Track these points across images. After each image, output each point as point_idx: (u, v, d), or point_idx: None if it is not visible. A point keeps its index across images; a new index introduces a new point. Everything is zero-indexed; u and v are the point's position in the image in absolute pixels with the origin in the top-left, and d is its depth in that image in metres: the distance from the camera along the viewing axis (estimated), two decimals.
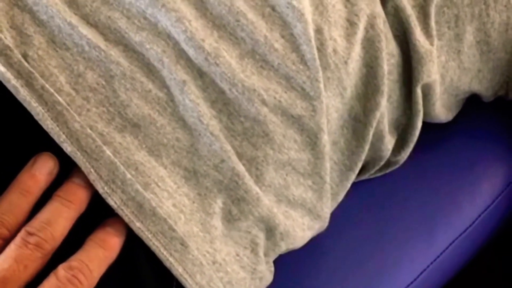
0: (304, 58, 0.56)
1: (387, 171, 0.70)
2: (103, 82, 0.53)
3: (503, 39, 0.66)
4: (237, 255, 0.56)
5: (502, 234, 0.72)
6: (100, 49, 0.53)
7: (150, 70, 0.54)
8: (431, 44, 0.63)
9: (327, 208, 0.62)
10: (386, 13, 0.61)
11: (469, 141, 0.73)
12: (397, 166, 0.70)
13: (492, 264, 0.74)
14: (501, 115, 0.73)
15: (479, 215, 0.69)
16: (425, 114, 0.66)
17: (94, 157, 0.51)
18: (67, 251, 0.50)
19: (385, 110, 0.62)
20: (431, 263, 0.67)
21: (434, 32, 0.63)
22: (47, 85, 0.52)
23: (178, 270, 0.52)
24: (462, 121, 0.72)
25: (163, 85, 0.54)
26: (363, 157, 0.63)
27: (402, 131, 0.67)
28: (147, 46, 0.54)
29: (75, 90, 0.53)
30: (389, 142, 0.66)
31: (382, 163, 0.68)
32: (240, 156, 0.56)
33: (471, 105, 0.71)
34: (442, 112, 0.69)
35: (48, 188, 0.51)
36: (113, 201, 0.51)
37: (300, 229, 0.61)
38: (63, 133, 0.51)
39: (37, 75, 0.52)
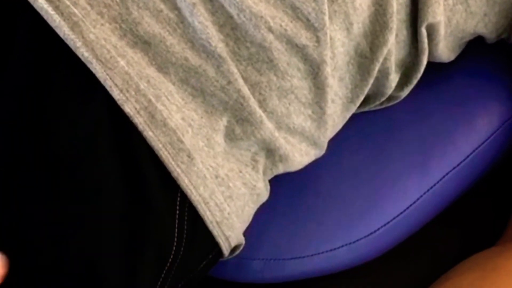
0: None
1: (388, 105, 0.71)
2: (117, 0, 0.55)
3: None
4: (240, 171, 0.59)
5: (496, 169, 0.73)
6: None
7: None
8: None
9: (325, 137, 0.64)
10: None
11: (467, 80, 0.74)
12: (398, 101, 0.71)
13: (483, 199, 0.75)
14: (498, 56, 0.74)
15: (473, 151, 0.70)
16: (428, 54, 0.67)
17: (109, 66, 0.52)
18: (85, 169, 0.52)
19: (392, 47, 0.63)
20: (423, 193, 0.68)
21: None
22: None
23: (184, 181, 0.54)
24: (461, 61, 0.72)
25: (174, 6, 0.55)
26: (366, 91, 0.65)
27: (406, 69, 0.68)
28: None
29: (90, 5, 0.54)
30: (394, 79, 0.67)
31: (384, 98, 0.69)
32: (244, 80, 0.57)
33: (470, 45, 0.72)
34: (445, 52, 0.70)
35: None
36: (128, 108, 0.52)
37: (298, 154, 0.63)
38: (79, 40, 0.52)
39: None
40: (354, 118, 0.68)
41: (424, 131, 0.71)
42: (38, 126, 0.52)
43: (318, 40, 0.58)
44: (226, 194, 0.57)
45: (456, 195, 0.72)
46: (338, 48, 0.60)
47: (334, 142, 0.67)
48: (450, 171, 0.70)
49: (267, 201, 0.64)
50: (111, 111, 0.53)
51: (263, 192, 0.62)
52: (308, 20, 0.57)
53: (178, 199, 0.55)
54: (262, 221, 0.66)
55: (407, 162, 0.70)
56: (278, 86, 0.59)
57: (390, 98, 0.70)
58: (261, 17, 0.56)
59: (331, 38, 0.59)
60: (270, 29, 0.57)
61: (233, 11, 0.56)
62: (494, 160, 0.73)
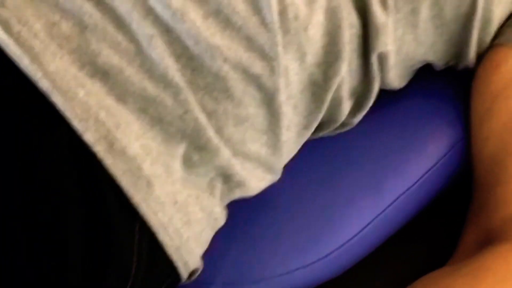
0: (264, 21, 0.58)
1: (341, 131, 0.73)
2: (76, 32, 0.55)
3: (455, 14, 0.68)
4: (198, 197, 0.60)
5: (445, 192, 0.75)
6: (74, 1, 0.55)
7: (120, 23, 0.56)
8: (387, 17, 0.65)
9: (280, 163, 0.66)
10: None
11: (418, 106, 0.76)
12: (350, 127, 0.73)
13: (433, 220, 0.78)
14: (447, 82, 0.76)
15: (424, 174, 0.72)
16: (379, 81, 0.69)
17: (69, 96, 0.53)
18: (46, 197, 0.53)
19: (345, 76, 0.65)
20: (377, 216, 0.70)
21: (391, 6, 0.65)
22: (24, 30, 0.54)
23: (143, 207, 0.55)
24: (412, 87, 0.75)
25: (132, 38, 0.56)
26: (320, 118, 0.67)
27: (358, 96, 0.70)
28: (118, 2, 0.56)
29: (50, 37, 0.55)
30: (347, 106, 0.69)
31: (337, 125, 0.71)
32: (201, 109, 0.59)
33: (421, 73, 0.74)
34: (396, 80, 0.72)
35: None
36: (89, 137, 0.53)
37: (254, 180, 0.64)
38: (40, 72, 0.53)
39: (14, 20, 0.54)
40: (308, 142, 0.70)
41: (377, 154, 0.73)
42: (2, 153, 0.53)
43: (272, 70, 0.59)
44: (184, 219, 0.58)
45: (409, 216, 0.74)
46: (292, 77, 0.62)
47: (290, 166, 0.69)
48: (403, 193, 0.72)
49: (225, 225, 0.65)
50: (72, 140, 0.54)
51: (220, 217, 0.63)
52: (262, 50, 0.59)
53: (138, 224, 0.56)
54: (220, 245, 0.67)
55: (360, 185, 0.71)
56: (234, 114, 0.60)
57: (343, 124, 0.72)
58: (217, 47, 0.57)
59: (285, 68, 0.60)
60: (225, 60, 0.58)
61: (189, 43, 0.57)
62: (445, 182, 0.75)
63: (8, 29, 0.54)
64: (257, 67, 0.59)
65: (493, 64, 0.72)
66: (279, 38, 0.59)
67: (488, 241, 0.64)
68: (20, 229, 0.52)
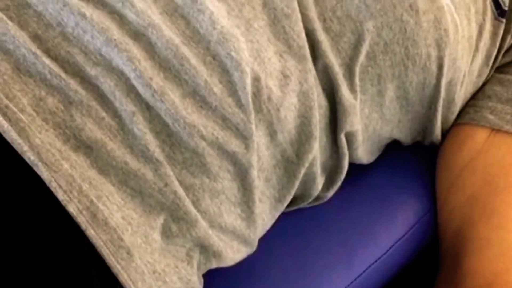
0: (239, 103, 0.60)
1: (315, 204, 0.75)
2: (62, 107, 0.57)
3: (420, 96, 0.70)
4: (176, 267, 0.61)
5: (414, 260, 0.78)
6: (61, 78, 0.57)
7: (104, 100, 0.58)
8: (355, 98, 0.67)
9: (255, 235, 0.67)
10: (316, 69, 0.65)
11: (387, 179, 0.78)
12: (324, 201, 0.75)
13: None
14: (415, 157, 0.80)
15: (393, 244, 0.75)
16: (349, 157, 0.72)
17: (54, 169, 0.55)
18: (29, 264, 0.53)
19: (317, 153, 0.67)
20: (348, 285, 0.72)
21: (358, 88, 0.67)
22: (11, 105, 0.55)
23: (123, 276, 0.56)
24: (381, 162, 0.78)
25: (115, 114, 0.58)
26: (293, 192, 0.68)
27: (330, 171, 0.72)
28: (102, 80, 0.58)
29: (36, 111, 0.56)
30: (320, 181, 0.71)
31: (311, 199, 0.73)
32: (179, 182, 0.60)
33: (389, 148, 0.77)
34: (364, 156, 0.74)
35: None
36: (72, 208, 0.55)
37: (230, 251, 0.66)
38: (25, 145, 0.54)
39: (1, 95, 0.55)
40: (283, 216, 0.72)
41: (347, 226, 0.75)
42: None
43: (246, 147, 0.62)
44: None
45: (379, 285, 0.76)
46: (263, 151, 0.64)
47: (265, 239, 0.70)
48: (373, 263, 0.74)
49: None
50: (54, 211, 0.55)
51: (197, 286, 0.64)
52: (237, 129, 0.61)
53: None
54: None
55: (333, 257, 0.73)
56: (210, 188, 0.62)
57: (316, 198, 0.74)
58: (194, 126, 0.59)
59: (256, 143, 0.62)
60: (202, 137, 0.60)
61: (168, 120, 0.59)
62: (414, 252, 0.77)
63: None
64: (233, 144, 0.61)
65: (458, 141, 0.75)
66: (253, 117, 0.61)
67: None
68: None
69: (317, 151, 0.67)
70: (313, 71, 0.65)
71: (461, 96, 0.73)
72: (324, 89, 0.66)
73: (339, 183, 0.73)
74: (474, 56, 0.73)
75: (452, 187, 0.73)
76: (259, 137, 0.63)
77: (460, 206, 0.72)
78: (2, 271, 0.53)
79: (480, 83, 0.77)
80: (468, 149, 0.74)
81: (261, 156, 0.64)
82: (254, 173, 0.63)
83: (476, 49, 0.73)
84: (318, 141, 0.66)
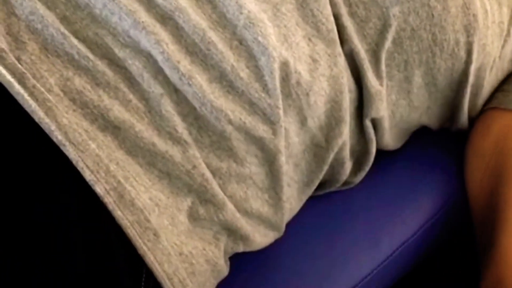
0: (266, 87, 0.60)
1: (342, 189, 0.75)
2: (89, 87, 0.57)
3: (448, 81, 0.70)
4: (203, 249, 0.61)
5: (441, 245, 0.77)
6: (88, 59, 0.57)
7: (131, 82, 0.58)
8: (381, 85, 0.67)
9: (282, 220, 0.67)
10: (344, 54, 0.65)
11: (413, 164, 0.78)
12: (351, 186, 0.75)
13: (432, 272, 0.80)
14: (442, 142, 0.79)
15: (420, 228, 0.74)
16: (376, 143, 0.71)
17: (81, 149, 0.55)
18: (56, 246, 0.54)
19: (347, 138, 0.67)
20: (375, 268, 0.72)
21: (384, 74, 0.67)
22: (38, 85, 0.55)
23: (150, 258, 0.56)
24: (408, 147, 0.78)
25: (142, 96, 0.58)
26: (321, 176, 0.68)
27: (357, 157, 0.72)
28: (130, 62, 0.58)
29: (63, 91, 0.57)
30: (348, 167, 0.71)
31: (338, 184, 0.73)
32: (206, 165, 0.60)
33: (416, 133, 0.77)
34: (391, 142, 0.74)
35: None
36: (99, 188, 0.55)
37: (258, 235, 0.66)
38: (53, 124, 0.54)
39: (29, 75, 0.55)
40: (311, 200, 0.72)
41: (375, 209, 0.75)
42: (14, 203, 0.54)
43: (274, 133, 0.61)
44: (189, 270, 0.60)
45: (406, 269, 0.76)
46: (292, 138, 0.63)
47: (292, 224, 0.70)
48: (400, 246, 0.74)
49: (227, 277, 0.66)
50: (81, 191, 0.55)
51: (224, 269, 0.64)
52: (264, 114, 0.61)
53: (144, 275, 0.57)
54: None
55: (359, 239, 0.73)
56: (237, 172, 0.62)
57: (344, 183, 0.74)
58: (222, 110, 0.59)
59: (285, 129, 0.62)
60: (230, 122, 0.60)
61: (195, 103, 0.59)
62: (440, 236, 0.77)
63: (23, 83, 0.55)
64: (260, 130, 0.61)
65: (486, 125, 0.74)
66: (280, 102, 0.61)
67: None
68: (25, 275, 0.53)
69: (347, 136, 0.67)
70: (343, 55, 0.64)
71: (490, 81, 0.72)
72: (352, 74, 0.66)
73: (367, 169, 0.73)
74: (505, 41, 0.72)
75: (486, 170, 0.73)
76: (288, 123, 0.62)
77: (496, 189, 0.71)
78: (30, 250, 0.54)
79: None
80: (496, 133, 0.73)
81: (291, 143, 0.63)
82: (282, 158, 0.63)
83: (508, 34, 0.71)
84: (348, 126, 0.66)
